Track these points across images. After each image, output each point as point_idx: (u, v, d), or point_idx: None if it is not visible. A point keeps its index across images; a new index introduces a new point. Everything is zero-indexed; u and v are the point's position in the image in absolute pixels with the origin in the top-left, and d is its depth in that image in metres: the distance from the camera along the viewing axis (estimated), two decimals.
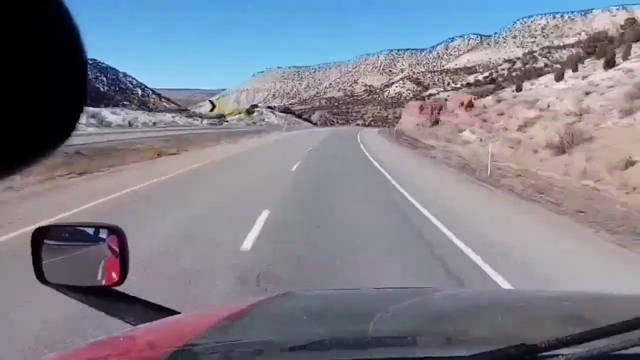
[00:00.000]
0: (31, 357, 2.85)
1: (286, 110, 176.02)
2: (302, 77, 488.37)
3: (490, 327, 1.02)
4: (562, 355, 0.69)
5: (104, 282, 1.23)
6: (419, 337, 0.94)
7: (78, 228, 1.37)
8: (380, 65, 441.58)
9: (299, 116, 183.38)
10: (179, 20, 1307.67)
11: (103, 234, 1.27)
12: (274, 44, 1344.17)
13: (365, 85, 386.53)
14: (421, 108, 60.40)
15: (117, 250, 1.22)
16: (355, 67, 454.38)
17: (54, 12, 0.30)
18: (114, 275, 1.21)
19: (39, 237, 1.22)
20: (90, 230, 1.31)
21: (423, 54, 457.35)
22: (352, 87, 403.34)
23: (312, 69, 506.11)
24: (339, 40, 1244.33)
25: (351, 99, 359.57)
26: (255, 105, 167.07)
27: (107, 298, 1.25)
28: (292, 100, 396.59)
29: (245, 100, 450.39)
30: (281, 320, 1.15)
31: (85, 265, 1.28)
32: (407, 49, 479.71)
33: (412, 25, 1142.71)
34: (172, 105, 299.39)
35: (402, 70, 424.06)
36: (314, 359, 0.85)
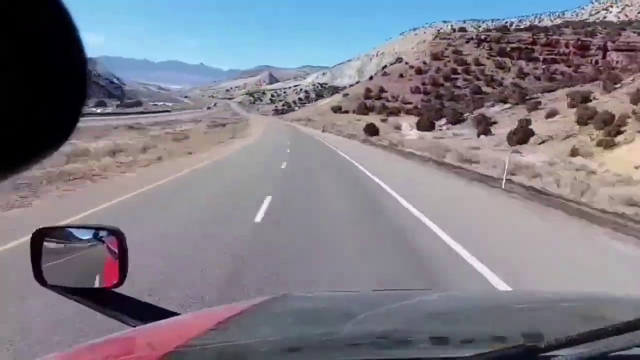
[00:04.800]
0: None
1: None
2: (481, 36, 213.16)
3: (490, 328, 1.02)
4: (562, 355, 0.68)
5: (103, 284, 1.25)
6: (416, 337, 0.94)
7: (77, 230, 1.39)
8: None
9: None
10: None
11: (102, 235, 1.29)
12: None
13: None
14: None
15: (117, 251, 1.25)
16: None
17: (54, 12, 0.29)
18: (114, 276, 1.23)
19: (39, 238, 1.24)
20: (90, 232, 1.33)
21: None
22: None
23: (506, 22, 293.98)
24: None
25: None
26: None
27: (107, 300, 1.28)
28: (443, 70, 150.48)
29: (375, 68, 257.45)
30: (280, 321, 1.17)
31: (84, 267, 1.31)
32: None
33: None
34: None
35: None
36: (313, 359, 0.87)
